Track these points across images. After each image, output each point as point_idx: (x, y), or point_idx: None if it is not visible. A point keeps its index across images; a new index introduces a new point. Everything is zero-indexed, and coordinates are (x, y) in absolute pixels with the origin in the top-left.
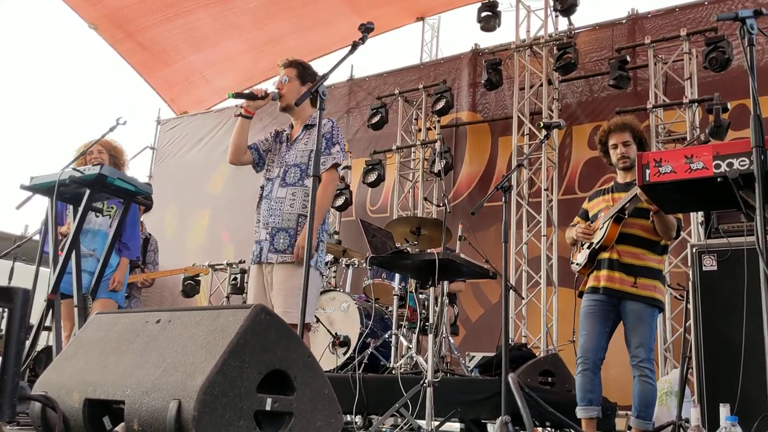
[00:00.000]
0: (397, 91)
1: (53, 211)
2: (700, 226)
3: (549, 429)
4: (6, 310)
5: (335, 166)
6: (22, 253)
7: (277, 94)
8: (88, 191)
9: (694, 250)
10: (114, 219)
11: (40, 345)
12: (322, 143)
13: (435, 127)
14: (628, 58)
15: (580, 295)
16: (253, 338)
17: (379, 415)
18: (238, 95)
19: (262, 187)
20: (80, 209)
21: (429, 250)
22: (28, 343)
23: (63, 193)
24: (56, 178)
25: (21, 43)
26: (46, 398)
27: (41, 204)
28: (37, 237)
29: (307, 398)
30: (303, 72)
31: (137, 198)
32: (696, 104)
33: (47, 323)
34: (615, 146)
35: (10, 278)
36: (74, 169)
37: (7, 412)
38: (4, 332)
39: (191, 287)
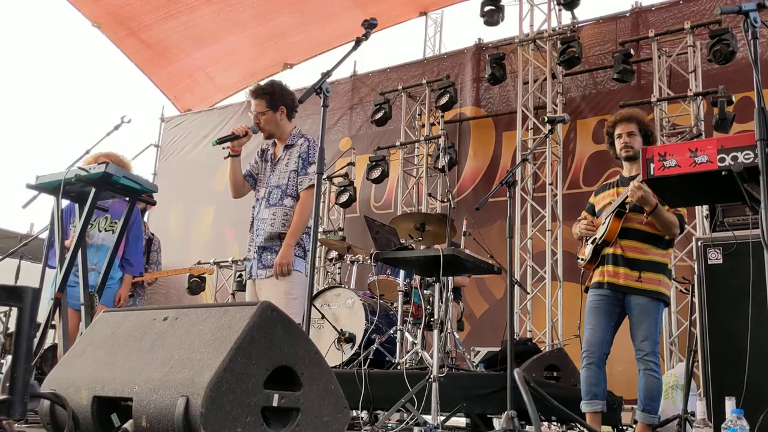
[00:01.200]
0: (400, 87)
1: (59, 209)
2: (705, 219)
3: (555, 423)
4: (15, 308)
5: (312, 186)
6: (28, 251)
7: (256, 128)
8: (93, 190)
9: (699, 244)
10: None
11: (47, 343)
12: (299, 163)
13: (438, 123)
14: (632, 52)
15: (587, 290)
16: (259, 335)
17: (385, 410)
18: (221, 140)
19: (253, 208)
20: (86, 207)
21: (434, 246)
22: (35, 341)
23: (68, 191)
24: (62, 177)
25: (25, 43)
26: (55, 396)
27: (47, 203)
28: (43, 235)
29: (314, 394)
30: (271, 99)
31: (142, 196)
32: (700, 97)
33: (54, 322)
34: (620, 136)
35: (17, 277)
36: (80, 168)
37: (18, 410)
38: (13, 330)
39: (197, 285)
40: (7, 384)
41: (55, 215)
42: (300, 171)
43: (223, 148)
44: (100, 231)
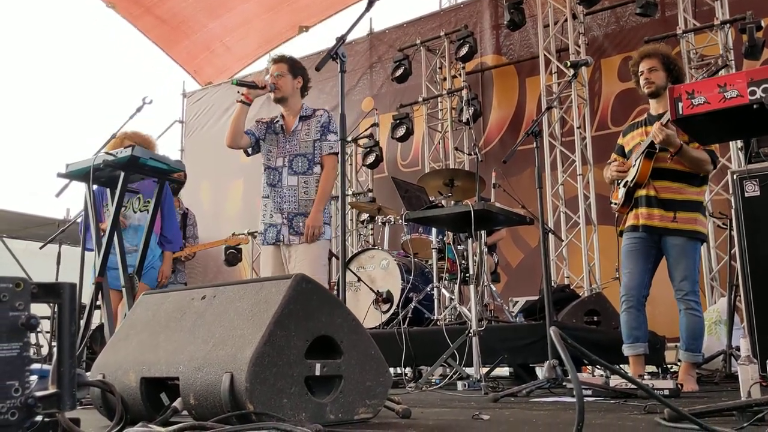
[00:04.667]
0: (418, 41)
1: (91, 195)
2: (739, 151)
3: (599, 368)
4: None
5: (335, 154)
6: (66, 237)
7: (273, 86)
8: (122, 173)
9: (734, 177)
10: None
11: (95, 323)
12: (320, 131)
13: (460, 75)
14: None
15: (621, 234)
16: (296, 307)
17: (428, 366)
18: (241, 83)
19: (266, 173)
20: (117, 191)
21: (464, 202)
22: (82, 322)
23: (98, 177)
24: (90, 164)
25: (45, 34)
26: (103, 383)
27: (80, 188)
28: (80, 220)
29: (355, 360)
30: (293, 66)
31: (171, 176)
32: (728, 25)
33: (98, 303)
34: (642, 73)
35: (59, 261)
36: (107, 153)
37: (68, 403)
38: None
39: (233, 256)
40: (56, 377)
41: (88, 201)
42: (321, 138)
43: (238, 92)
44: (135, 212)
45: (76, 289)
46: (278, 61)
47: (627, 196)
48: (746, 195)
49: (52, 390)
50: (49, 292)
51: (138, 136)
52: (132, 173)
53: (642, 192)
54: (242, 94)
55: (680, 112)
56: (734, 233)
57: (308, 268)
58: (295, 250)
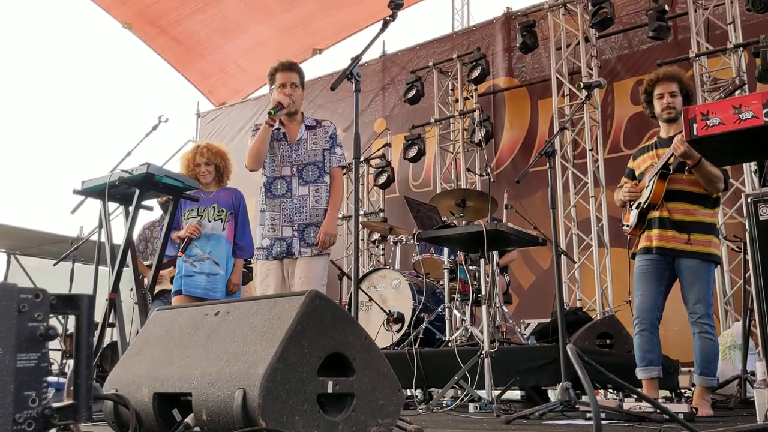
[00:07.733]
0: (430, 63)
1: (106, 212)
2: (753, 174)
3: (611, 391)
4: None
5: (343, 167)
6: (79, 254)
7: (290, 101)
8: (137, 191)
9: (749, 200)
10: (226, 222)
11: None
12: (329, 142)
13: (472, 96)
14: (667, 8)
15: (633, 256)
16: (309, 324)
17: (438, 387)
18: (277, 110)
19: (270, 184)
20: (131, 209)
21: (476, 222)
22: (94, 340)
23: (114, 194)
24: (106, 181)
25: (61, 51)
26: (118, 396)
27: (95, 206)
28: (93, 237)
29: (367, 378)
30: (302, 76)
31: (185, 194)
32: (741, 49)
33: (111, 320)
34: (661, 96)
35: (72, 279)
36: (122, 170)
37: (84, 414)
38: (72, 332)
39: (244, 275)
40: (71, 389)
41: (103, 218)
42: (331, 150)
43: (271, 118)
44: (209, 221)
45: (94, 301)
46: (292, 69)
47: (639, 218)
48: (761, 218)
49: (68, 401)
50: (67, 303)
51: (213, 148)
52: (147, 190)
53: (655, 214)
54: (269, 117)
55: (695, 133)
56: (748, 257)
57: (311, 287)
58: (299, 265)
